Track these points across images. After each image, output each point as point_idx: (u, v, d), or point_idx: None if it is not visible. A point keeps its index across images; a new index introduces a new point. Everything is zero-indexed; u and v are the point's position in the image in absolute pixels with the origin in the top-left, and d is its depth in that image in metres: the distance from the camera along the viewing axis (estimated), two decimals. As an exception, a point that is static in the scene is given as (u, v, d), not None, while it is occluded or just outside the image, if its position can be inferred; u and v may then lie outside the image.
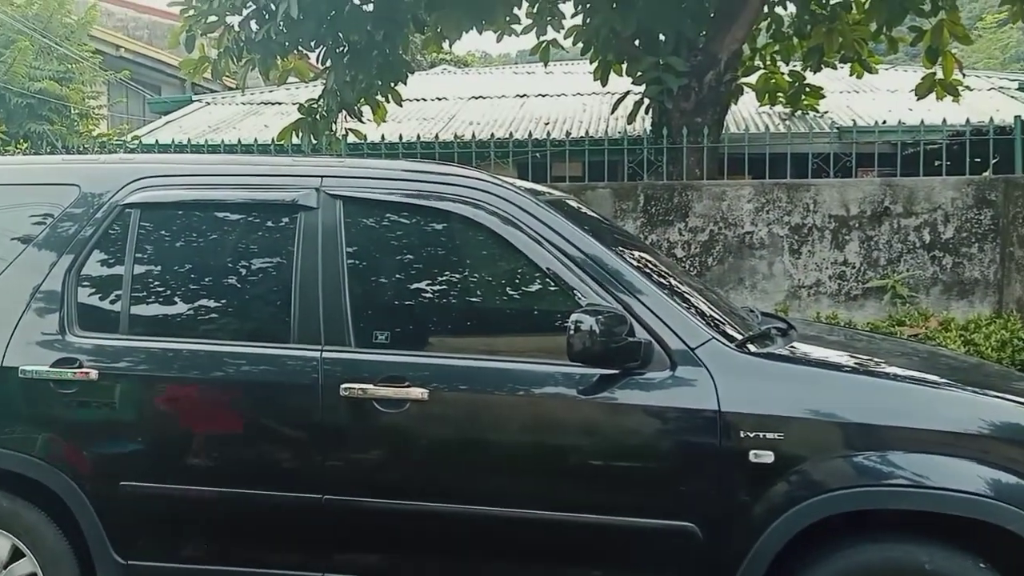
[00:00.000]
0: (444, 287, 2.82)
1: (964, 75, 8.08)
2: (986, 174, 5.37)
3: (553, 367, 2.56)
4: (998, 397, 2.55)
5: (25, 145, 9.13)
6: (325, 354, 2.63)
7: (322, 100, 7.35)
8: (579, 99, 11.24)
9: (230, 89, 13.34)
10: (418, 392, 2.54)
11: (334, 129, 7.43)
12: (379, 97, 7.58)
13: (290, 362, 2.67)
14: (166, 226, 2.91)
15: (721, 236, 5.48)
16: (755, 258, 5.43)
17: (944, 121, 5.81)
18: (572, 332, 2.39)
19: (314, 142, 7.19)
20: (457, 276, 2.86)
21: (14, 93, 11.21)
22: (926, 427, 2.44)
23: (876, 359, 2.97)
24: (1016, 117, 5.67)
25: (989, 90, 10.61)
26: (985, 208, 5.11)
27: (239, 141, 7.15)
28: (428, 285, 2.82)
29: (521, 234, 2.68)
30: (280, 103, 11.56)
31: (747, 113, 9.93)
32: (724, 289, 5.40)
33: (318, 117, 7.35)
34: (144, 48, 15.73)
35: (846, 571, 2.38)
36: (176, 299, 2.85)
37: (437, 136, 7.10)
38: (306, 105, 7.42)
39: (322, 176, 2.83)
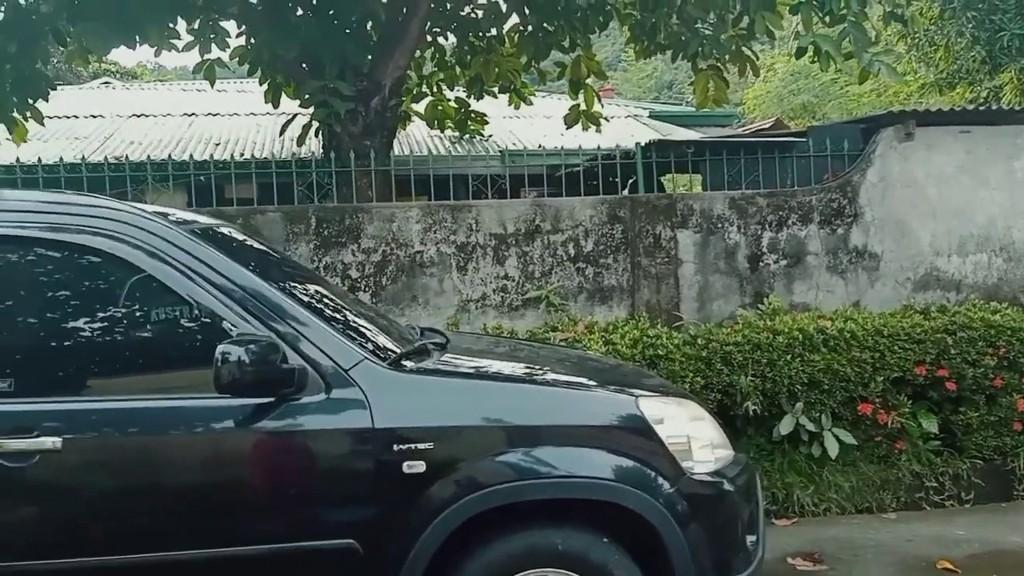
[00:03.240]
0: (79, 326, 2.62)
1: (603, 105, 9.15)
2: (624, 193, 6.12)
3: (205, 401, 2.52)
4: (618, 392, 2.95)
5: None
6: (-66, 407, 2.35)
7: (-60, 116, 6.43)
8: (252, 119, 10.96)
9: None
10: (50, 442, 2.36)
11: (-41, 150, 6.53)
12: (15, 115, 6.80)
13: None
14: None
15: (393, 256, 5.67)
16: (426, 276, 5.70)
17: (580, 147, 6.52)
18: (219, 364, 2.38)
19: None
20: (95, 314, 2.67)
21: None
22: (560, 423, 2.75)
23: (525, 364, 3.27)
24: (637, 144, 6.54)
25: (626, 118, 12.09)
26: (617, 224, 5.84)
27: None
28: (60, 326, 2.60)
29: (166, 267, 2.61)
30: None
31: (420, 137, 10.36)
32: (399, 307, 5.59)
33: (-63, 136, 6.42)
34: None
35: (493, 561, 2.61)
36: None
37: (84, 158, 6.51)
38: (-78, 123, 6.45)
39: (-71, 209, 2.53)
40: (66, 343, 2.59)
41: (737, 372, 5.11)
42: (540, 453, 2.70)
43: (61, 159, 6.01)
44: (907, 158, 6.11)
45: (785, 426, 5.14)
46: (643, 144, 6.52)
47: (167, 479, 2.51)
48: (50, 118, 7.34)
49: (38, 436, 2.36)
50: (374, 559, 2.53)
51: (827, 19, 6.51)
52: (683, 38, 7.46)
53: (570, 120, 8.51)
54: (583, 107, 8.43)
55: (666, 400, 2.96)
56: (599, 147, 6.53)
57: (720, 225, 5.90)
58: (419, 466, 2.56)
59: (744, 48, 7.36)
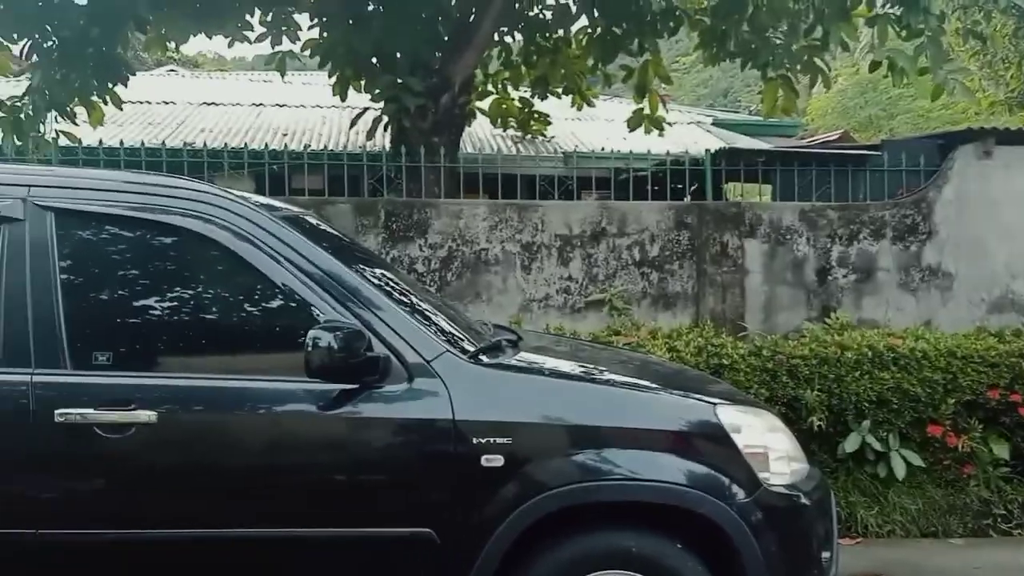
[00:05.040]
0: (173, 305, 2.69)
1: (668, 111, 9.08)
2: (687, 200, 6.08)
3: (291, 384, 2.56)
4: (695, 398, 2.92)
5: None
6: (36, 378, 2.43)
7: (27, 98, 6.63)
8: (319, 111, 11.10)
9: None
10: (146, 415, 2.42)
11: (42, 130, 6.73)
12: (95, 98, 6.99)
13: (-6, 386, 2.43)
14: None
15: (459, 252, 5.70)
16: (490, 273, 5.72)
17: (648, 151, 6.48)
18: (310, 348, 2.41)
19: (18, 143, 6.47)
20: (187, 293, 2.74)
21: None
22: (636, 426, 2.74)
23: (595, 366, 3.26)
24: (706, 151, 6.49)
25: (689, 124, 11.99)
26: (684, 230, 5.79)
27: (-79, 139, 6.26)
28: (155, 303, 2.66)
29: (256, 250, 2.65)
30: (-28, 98, 10.23)
31: (483, 135, 10.39)
32: (462, 303, 5.62)
33: (23, 116, 6.62)
34: None
35: (564, 560, 2.61)
36: None
37: (164, 143, 6.68)
38: (8, 103, 6.65)
39: (29, 185, 2.61)
40: (159, 321, 2.66)
41: (803, 386, 5.03)
42: (615, 455, 2.68)
43: (143, 143, 6.16)
44: (985, 177, 5.97)
45: (851, 444, 5.04)
46: (713, 151, 6.46)
47: (253, 458, 2.56)
48: (125, 103, 7.51)
49: (135, 409, 2.42)
50: (450, 550, 2.54)
51: (903, 33, 6.38)
52: (753, 46, 7.37)
53: (633, 124, 8.45)
54: (647, 111, 8.38)
55: (744, 409, 2.93)
56: (668, 152, 6.50)
57: (789, 236, 5.82)
58: (497, 460, 2.57)
59: (816, 59, 7.24)
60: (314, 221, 3.25)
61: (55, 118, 6.75)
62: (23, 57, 6.71)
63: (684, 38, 8.82)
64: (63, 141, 6.71)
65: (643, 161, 6.43)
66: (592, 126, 11.40)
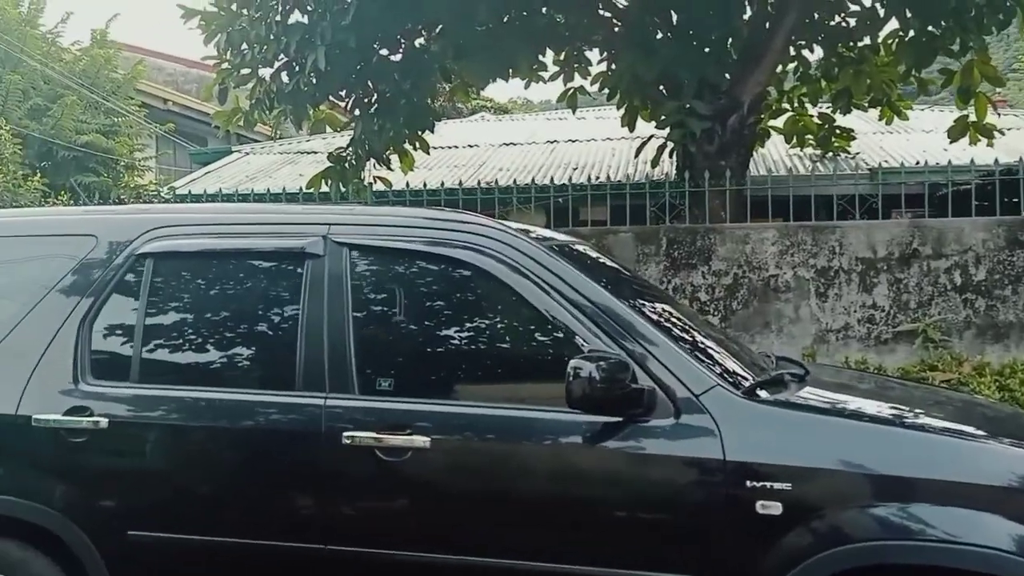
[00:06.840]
0: (449, 334, 2.81)
1: (999, 115, 7.96)
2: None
3: (557, 415, 2.52)
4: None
5: (66, 196, 9.41)
6: (329, 401, 2.63)
7: (350, 148, 7.48)
8: (608, 144, 11.29)
9: (271, 139, 13.67)
10: (420, 440, 2.53)
11: (363, 177, 7.54)
12: (407, 145, 7.69)
13: (295, 409, 2.67)
14: (179, 274, 2.97)
15: (745, 279, 5.41)
16: (780, 301, 5.35)
17: (972, 161, 5.69)
18: (571, 378, 2.36)
19: (342, 190, 7.31)
20: (462, 323, 2.84)
21: (61, 146, 11.62)
22: (955, 480, 2.33)
23: (902, 406, 2.88)
24: (1048, 157, 5.56)
25: (1026, 129, 10.41)
26: (1018, 249, 4.99)
27: (267, 190, 7.29)
28: (432, 332, 2.81)
29: (527, 281, 2.66)
30: (316, 152, 11.77)
31: (778, 155, 9.88)
32: (749, 333, 5.31)
33: (347, 165, 7.47)
34: (190, 101, 16.15)
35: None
36: (186, 347, 2.88)
37: (461, 183, 7.17)
38: (335, 154, 7.56)
39: (330, 224, 2.86)
40: (437, 349, 2.79)
41: None
42: (926, 512, 2.31)
43: (442, 184, 6.66)
44: None
45: None
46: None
47: (516, 487, 2.56)
48: (434, 148, 8.18)
49: (411, 434, 2.54)
50: (720, 602, 2.34)
51: None
52: (1113, 32, 6.23)
53: (955, 133, 7.50)
54: (973, 118, 7.38)
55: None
56: (996, 161, 5.66)
57: None
58: (775, 507, 2.32)
59: None
60: (586, 251, 3.24)
61: (373, 165, 7.52)
62: (347, 111, 7.60)
63: (1018, 32, 7.72)
64: (377, 186, 7.46)
65: (964, 173, 5.66)
66: (905, 138, 10.36)
